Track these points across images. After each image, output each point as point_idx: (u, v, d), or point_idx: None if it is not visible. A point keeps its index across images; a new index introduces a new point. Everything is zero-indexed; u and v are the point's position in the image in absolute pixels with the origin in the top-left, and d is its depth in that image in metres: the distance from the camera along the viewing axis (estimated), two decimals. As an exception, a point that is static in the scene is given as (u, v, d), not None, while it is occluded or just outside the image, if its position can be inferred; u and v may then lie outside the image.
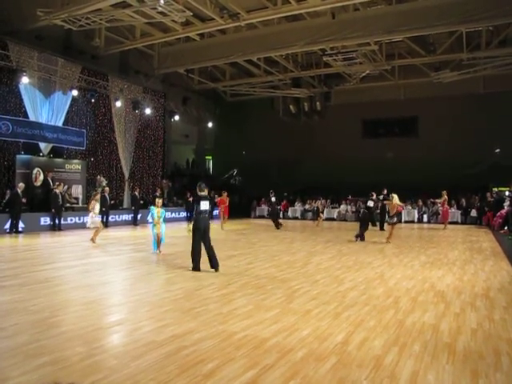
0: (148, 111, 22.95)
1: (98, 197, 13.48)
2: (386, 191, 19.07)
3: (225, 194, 19.40)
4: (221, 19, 17.86)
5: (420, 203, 23.62)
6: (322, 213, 22.58)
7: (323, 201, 22.33)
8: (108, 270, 9.18)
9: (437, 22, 16.92)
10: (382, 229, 18.81)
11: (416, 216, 23.57)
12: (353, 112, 27.48)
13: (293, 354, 4.37)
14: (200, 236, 8.60)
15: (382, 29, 17.77)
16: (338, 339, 4.81)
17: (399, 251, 12.14)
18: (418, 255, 11.36)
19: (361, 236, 14.69)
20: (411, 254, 11.48)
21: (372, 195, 18.98)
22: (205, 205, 8.62)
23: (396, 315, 5.75)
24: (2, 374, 3.86)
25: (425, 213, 23.55)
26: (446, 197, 20.09)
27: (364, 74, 24.26)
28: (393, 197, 14.19)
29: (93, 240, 13.07)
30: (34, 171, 17.78)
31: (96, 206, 13.03)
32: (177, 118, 24.97)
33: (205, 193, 8.80)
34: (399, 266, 9.70)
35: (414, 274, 8.73)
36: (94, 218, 13.03)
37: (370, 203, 18.17)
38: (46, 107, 18.58)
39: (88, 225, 13.26)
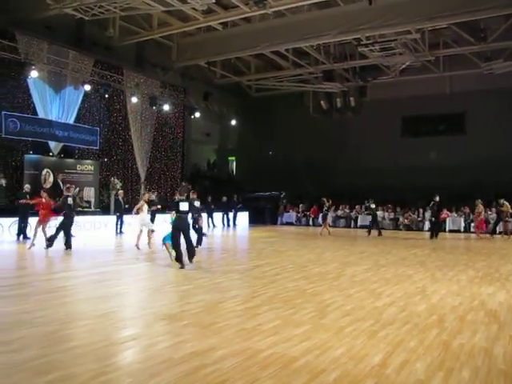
0: (166, 107, 23.21)
1: (147, 197, 13.96)
2: (438, 198, 18.97)
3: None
4: (245, 6, 17.95)
5: (467, 210, 23.12)
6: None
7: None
8: (121, 280, 9.30)
9: (488, 5, 16.55)
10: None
11: (462, 225, 23.10)
12: (391, 108, 27.18)
13: (325, 375, 4.32)
14: (179, 233, 10.34)
15: (424, 15, 17.56)
16: (374, 360, 4.73)
17: (443, 264, 11.91)
18: (466, 269, 11.12)
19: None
20: (457, 268, 11.24)
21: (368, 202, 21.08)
22: (183, 206, 10.36)
23: (440, 335, 5.63)
24: (9, 389, 3.95)
25: (472, 221, 23.03)
26: (480, 206, 19.84)
27: (404, 66, 24.03)
28: (504, 204, 18.94)
29: (137, 246, 13.52)
30: (44, 172, 18.17)
31: (144, 207, 13.40)
32: (197, 114, 25.15)
33: (183, 196, 10.77)
34: (443, 280, 9.52)
35: (460, 289, 8.54)
36: (145, 220, 13.39)
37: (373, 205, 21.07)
38: (57, 103, 18.97)
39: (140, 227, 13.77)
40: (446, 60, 24.71)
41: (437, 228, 19.49)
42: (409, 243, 17.46)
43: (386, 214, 25.16)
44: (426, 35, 21.24)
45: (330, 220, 25.90)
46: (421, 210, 24.18)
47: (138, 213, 13.96)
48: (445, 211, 22.64)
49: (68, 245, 13.06)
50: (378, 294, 8.01)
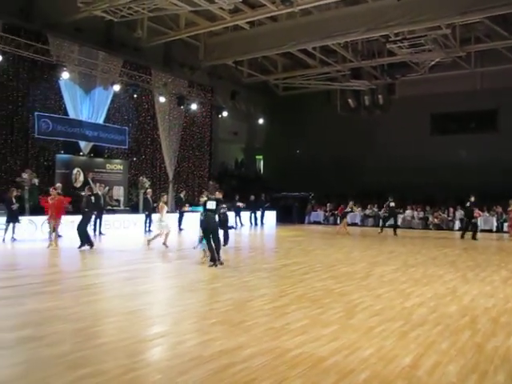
0: (194, 107, 23.35)
1: (165, 198, 14.13)
2: (473, 198, 18.53)
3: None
4: (272, 5, 17.93)
5: (499, 210, 22.64)
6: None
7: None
8: (150, 278, 9.41)
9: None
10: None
11: (495, 224, 22.62)
12: (420, 105, 26.78)
13: (354, 375, 4.28)
14: (209, 233, 10.37)
15: (455, 9, 17.21)
16: (405, 362, 4.67)
17: (475, 264, 11.68)
18: (498, 269, 10.87)
19: None
20: (490, 268, 11.00)
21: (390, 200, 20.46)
22: (210, 205, 10.43)
23: (473, 337, 5.51)
24: (47, 382, 4.07)
25: (505, 221, 22.50)
26: None
27: (434, 63, 23.62)
28: None
29: (165, 244, 13.66)
30: (74, 171, 18.52)
31: (164, 210, 13.59)
32: (225, 114, 25.22)
33: (213, 196, 10.99)
34: (475, 281, 9.33)
35: (493, 291, 8.35)
36: (162, 222, 13.56)
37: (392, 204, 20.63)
38: (87, 104, 19.33)
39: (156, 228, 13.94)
40: (477, 55, 24.16)
41: (473, 229, 19.04)
42: (439, 243, 17.18)
43: (416, 213, 24.81)
44: (457, 30, 20.78)
45: (358, 220, 25.84)
46: (451, 209, 23.78)
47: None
48: (476, 210, 22.18)
49: (82, 243, 13.10)
50: (407, 294, 7.90)
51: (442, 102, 26.12)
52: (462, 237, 18.85)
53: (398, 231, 20.76)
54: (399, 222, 24.53)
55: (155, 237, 13.81)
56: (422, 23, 18.32)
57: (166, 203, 14.42)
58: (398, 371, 4.41)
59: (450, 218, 23.83)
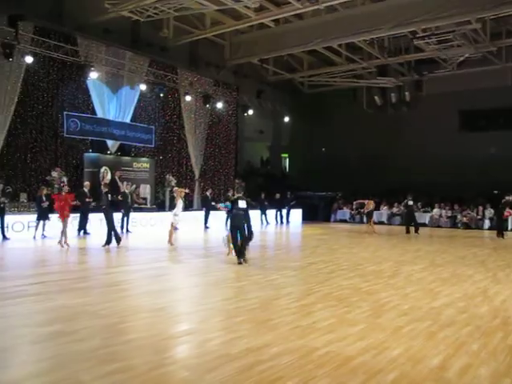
0: (219, 105, 23.40)
1: (183, 194, 14.15)
2: (511, 197, 18.14)
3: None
4: (297, 2, 17.89)
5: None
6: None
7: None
8: (177, 276, 9.52)
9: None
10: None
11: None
12: (448, 102, 26.31)
13: (382, 375, 4.24)
14: (235, 231, 10.64)
15: (486, 2, 16.81)
16: (434, 363, 4.60)
17: (506, 264, 11.43)
18: (531, 269, 10.64)
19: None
20: (522, 268, 10.78)
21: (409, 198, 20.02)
22: (241, 203, 10.57)
23: (506, 340, 5.38)
24: (76, 376, 4.15)
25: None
26: None
27: (462, 58, 23.20)
28: None
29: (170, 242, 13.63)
30: (102, 170, 18.77)
31: (179, 204, 13.57)
32: (250, 112, 25.18)
33: (240, 194, 10.97)
34: (506, 281, 9.14)
35: (526, 291, 8.18)
36: (175, 216, 13.57)
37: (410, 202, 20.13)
38: (114, 103, 19.57)
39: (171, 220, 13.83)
40: (509, 50, 23.55)
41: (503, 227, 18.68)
42: (467, 242, 16.88)
43: (443, 211, 24.39)
44: (488, 24, 20.26)
45: (384, 219, 25.60)
46: (480, 208, 23.31)
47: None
48: (507, 209, 21.72)
49: (108, 240, 13.07)
50: (435, 293, 7.80)
51: (471, 98, 25.60)
52: (498, 235, 18.50)
53: (426, 230, 20.42)
54: (427, 220, 24.22)
55: (170, 234, 13.79)
56: (451, 18, 17.98)
57: (185, 196, 14.33)
58: (426, 372, 4.36)
59: (479, 217, 23.35)
